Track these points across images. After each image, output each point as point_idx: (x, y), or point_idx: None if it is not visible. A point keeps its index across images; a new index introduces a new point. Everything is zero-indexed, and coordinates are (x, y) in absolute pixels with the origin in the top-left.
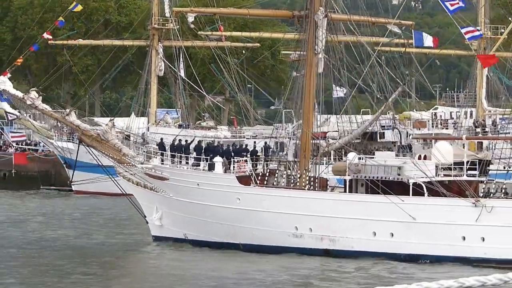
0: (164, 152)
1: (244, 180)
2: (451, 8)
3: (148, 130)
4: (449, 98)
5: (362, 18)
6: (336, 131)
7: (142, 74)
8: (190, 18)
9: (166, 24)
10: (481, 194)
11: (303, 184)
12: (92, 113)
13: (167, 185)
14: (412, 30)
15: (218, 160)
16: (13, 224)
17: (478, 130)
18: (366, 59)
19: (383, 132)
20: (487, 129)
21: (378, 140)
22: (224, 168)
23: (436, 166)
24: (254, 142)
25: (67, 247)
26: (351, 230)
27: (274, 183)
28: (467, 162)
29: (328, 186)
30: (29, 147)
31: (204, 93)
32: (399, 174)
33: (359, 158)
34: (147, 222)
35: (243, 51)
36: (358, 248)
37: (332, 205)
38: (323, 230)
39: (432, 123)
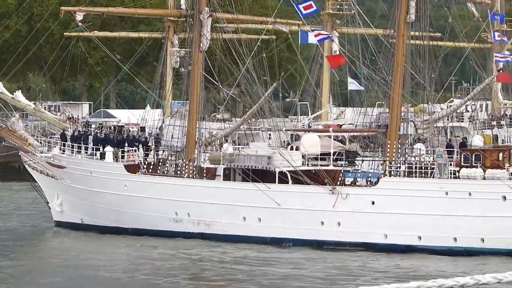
0: (64, 142)
1: (132, 168)
2: (304, 12)
3: (163, 122)
4: (464, 91)
5: (247, 17)
6: (351, 123)
7: (157, 66)
8: (79, 17)
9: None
10: (348, 183)
11: (188, 172)
12: (107, 105)
13: (65, 173)
14: (299, 30)
15: (108, 150)
16: None
17: (494, 123)
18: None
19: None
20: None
21: None
22: (115, 157)
23: (303, 156)
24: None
25: None
26: (224, 215)
27: (164, 172)
28: (334, 153)
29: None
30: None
31: (220, 85)
32: (268, 164)
33: (234, 149)
34: (49, 208)
35: (258, 43)
36: (230, 232)
37: (207, 192)
38: (199, 215)
39: (448, 116)
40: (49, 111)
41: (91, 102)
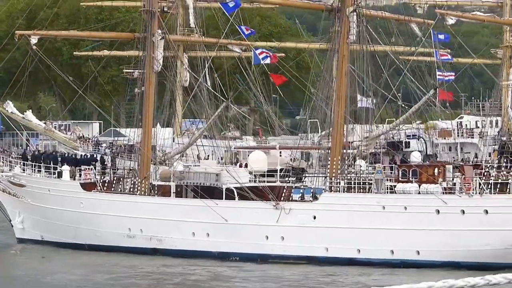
0: (24, 161)
1: (89, 186)
2: (246, 33)
3: (173, 141)
4: (474, 107)
5: (200, 39)
6: (361, 140)
7: (167, 85)
8: (33, 40)
9: (191, 35)
10: (297, 199)
11: (141, 190)
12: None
13: (25, 192)
14: (253, 49)
15: (65, 168)
16: None
17: (504, 138)
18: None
19: (409, 142)
20: None
21: (404, 150)
22: (72, 175)
23: (250, 173)
24: (103, 153)
25: None
26: (174, 230)
27: (120, 189)
28: (281, 169)
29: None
30: None
31: (230, 103)
32: (216, 181)
33: (185, 166)
34: (12, 226)
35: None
36: (180, 247)
37: (158, 208)
38: (151, 231)
39: (458, 132)
40: (59, 131)
41: (101, 121)
